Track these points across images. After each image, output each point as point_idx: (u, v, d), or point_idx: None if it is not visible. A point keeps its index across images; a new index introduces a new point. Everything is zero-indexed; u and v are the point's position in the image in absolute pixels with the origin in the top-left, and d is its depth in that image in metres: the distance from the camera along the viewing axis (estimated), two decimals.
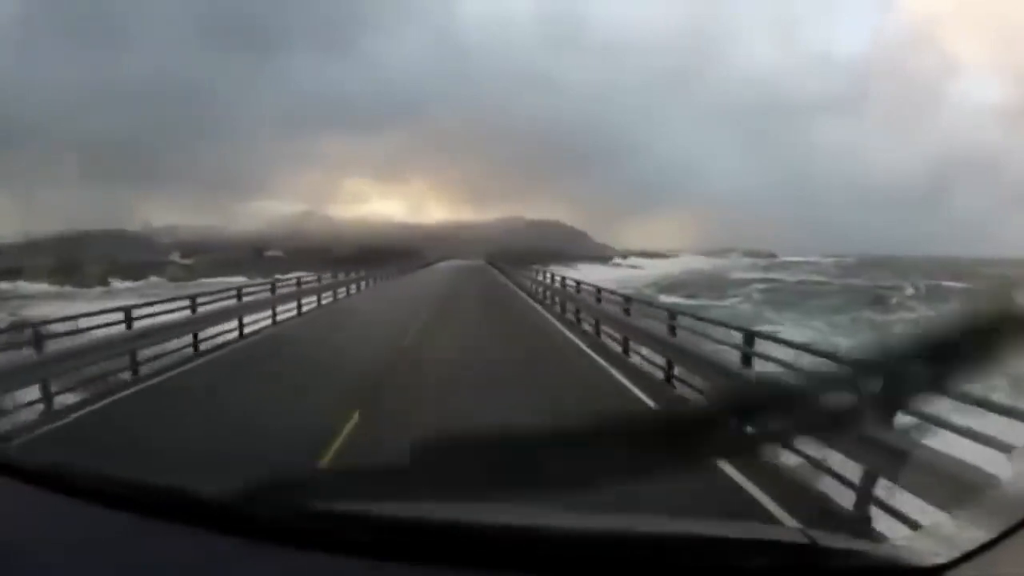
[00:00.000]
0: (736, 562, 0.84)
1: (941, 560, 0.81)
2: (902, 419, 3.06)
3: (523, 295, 20.53)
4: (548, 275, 17.81)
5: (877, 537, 3.00)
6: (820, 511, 3.60)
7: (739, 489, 3.79)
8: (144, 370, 7.87)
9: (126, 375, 7.67)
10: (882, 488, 3.27)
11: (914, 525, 2.92)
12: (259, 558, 0.90)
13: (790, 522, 3.39)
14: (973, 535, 0.84)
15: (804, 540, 0.86)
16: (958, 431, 2.92)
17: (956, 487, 2.38)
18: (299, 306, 14.50)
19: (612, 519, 0.98)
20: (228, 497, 0.97)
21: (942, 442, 2.90)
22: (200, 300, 9.89)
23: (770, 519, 3.47)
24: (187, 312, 9.48)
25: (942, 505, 2.44)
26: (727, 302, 36.24)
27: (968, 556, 0.81)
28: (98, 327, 7.63)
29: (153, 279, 56.94)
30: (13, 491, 1.08)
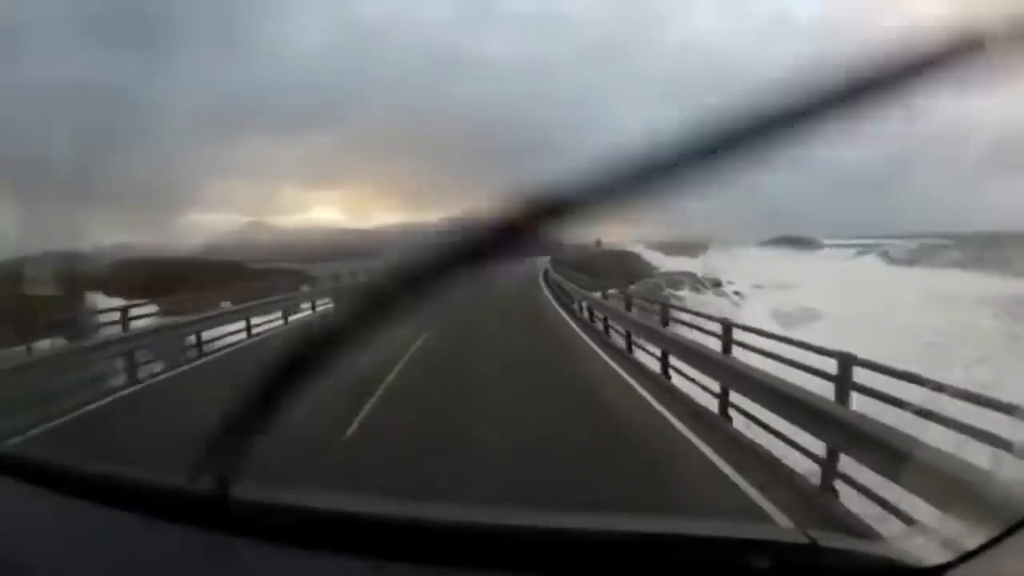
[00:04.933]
0: (736, 562, 0.83)
1: (941, 560, 0.80)
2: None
3: None
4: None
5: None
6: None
7: None
8: None
9: None
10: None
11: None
12: (260, 558, 0.90)
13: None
14: (973, 535, 0.84)
15: (804, 540, 0.85)
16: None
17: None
18: None
19: (612, 519, 0.98)
20: (229, 497, 0.97)
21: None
22: None
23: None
24: None
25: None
26: None
27: (968, 556, 0.81)
28: None
29: None
30: (13, 491, 1.08)
